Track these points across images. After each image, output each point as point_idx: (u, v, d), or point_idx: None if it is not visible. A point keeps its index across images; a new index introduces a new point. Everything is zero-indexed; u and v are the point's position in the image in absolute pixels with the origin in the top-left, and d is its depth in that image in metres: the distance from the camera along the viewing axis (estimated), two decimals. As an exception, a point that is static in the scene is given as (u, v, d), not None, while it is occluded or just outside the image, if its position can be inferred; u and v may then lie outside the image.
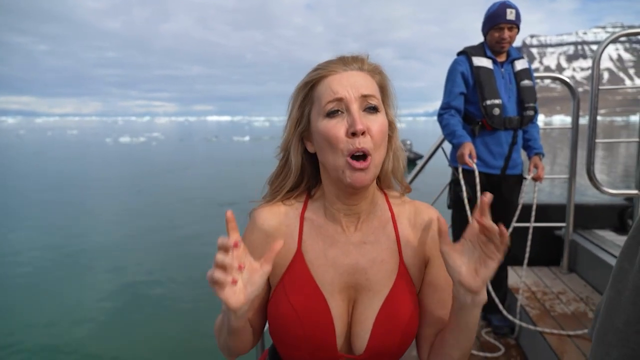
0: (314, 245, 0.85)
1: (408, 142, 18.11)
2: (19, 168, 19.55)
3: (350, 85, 0.79)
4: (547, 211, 2.96)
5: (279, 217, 0.87)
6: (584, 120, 2.75)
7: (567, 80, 2.70)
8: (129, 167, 20.06)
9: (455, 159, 2.31)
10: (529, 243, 2.48)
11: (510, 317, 2.30)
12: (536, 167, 2.37)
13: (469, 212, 2.24)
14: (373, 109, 0.79)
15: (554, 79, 2.79)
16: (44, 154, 27.15)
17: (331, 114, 0.78)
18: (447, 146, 2.49)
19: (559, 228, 2.95)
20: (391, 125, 0.86)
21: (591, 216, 3.00)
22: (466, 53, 2.32)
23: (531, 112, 2.32)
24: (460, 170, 2.28)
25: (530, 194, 2.51)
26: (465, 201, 2.24)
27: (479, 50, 2.32)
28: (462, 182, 2.26)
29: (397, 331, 0.82)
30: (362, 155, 0.77)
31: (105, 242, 7.92)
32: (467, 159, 2.13)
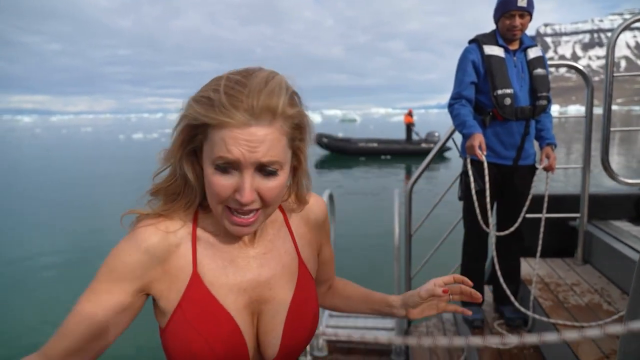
0: (211, 265, 0.79)
1: (436, 134, 18.12)
2: (37, 165, 19.88)
3: (247, 148, 0.68)
4: (561, 202, 2.92)
5: (165, 235, 0.77)
6: (599, 110, 2.70)
7: (581, 68, 2.65)
8: (143, 163, 20.29)
9: (465, 150, 2.28)
10: (541, 234, 2.45)
11: (522, 309, 2.28)
12: (548, 157, 2.33)
13: (476, 205, 2.22)
14: (271, 173, 0.71)
15: (569, 67, 2.73)
16: (60, 151, 27.56)
17: (220, 169, 0.70)
18: (458, 137, 2.46)
19: (573, 219, 2.91)
20: (299, 158, 0.79)
21: (606, 206, 2.95)
22: (477, 41, 2.29)
23: (544, 102, 2.27)
24: (469, 161, 2.26)
25: (544, 184, 2.48)
26: (473, 192, 2.22)
27: (491, 38, 2.29)
28: (471, 173, 2.23)
29: (305, 329, 0.85)
30: (241, 213, 0.73)
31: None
32: (476, 150, 2.10)
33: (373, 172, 15.32)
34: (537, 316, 2.20)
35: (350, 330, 3.00)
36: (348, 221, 8.10)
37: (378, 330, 3.00)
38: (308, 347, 2.81)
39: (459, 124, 2.22)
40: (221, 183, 0.70)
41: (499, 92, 2.20)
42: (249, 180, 0.70)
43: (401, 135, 20.51)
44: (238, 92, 0.67)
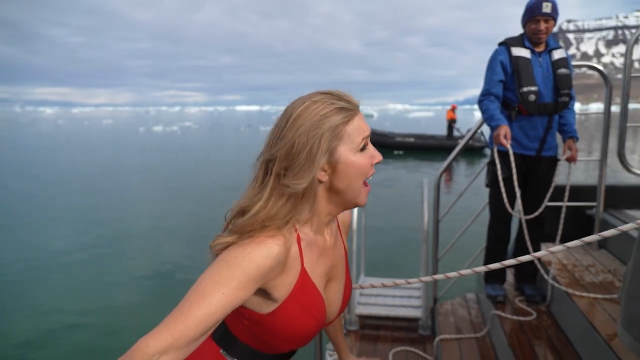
0: (311, 260, 0.99)
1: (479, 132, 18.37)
2: (63, 155, 20.50)
3: (366, 125, 0.96)
4: (579, 192, 3.14)
5: (285, 245, 0.91)
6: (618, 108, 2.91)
7: (600, 68, 2.87)
8: (166, 154, 20.77)
9: (492, 141, 2.53)
10: (561, 221, 2.69)
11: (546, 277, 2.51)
12: (570, 149, 2.57)
13: (502, 190, 2.46)
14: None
15: (587, 67, 2.95)
16: (85, 142, 28.30)
17: (363, 149, 0.93)
18: (487, 131, 2.71)
19: (590, 207, 3.13)
20: None
21: (621, 197, 3.17)
22: (506, 44, 2.54)
23: (566, 99, 2.51)
24: (496, 151, 2.51)
25: (566, 175, 2.71)
26: (500, 179, 2.47)
27: (518, 41, 2.53)
28: (497, 161, 2.49)
29: (349, 297, 1.16)
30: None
31: (149, 226, 8.37)
32: (502, 139, 2.35)
33: (409, 166, 15.64)
34: (556, 285, 2.43)
35: (380, 308, 3.26)
36: (382, 211, 8.65)
37: (406, 308, 3.26)
38: (342, 321, 3.09)
39: (488, 118, 2.48)
40: (364, 160, 0.94)
41: (524, 89, 2.45)
42: (371, 146, 0.96)
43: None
44: (337, 95, 0.94)
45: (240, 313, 1.00)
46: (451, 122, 19.39)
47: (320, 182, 0.94)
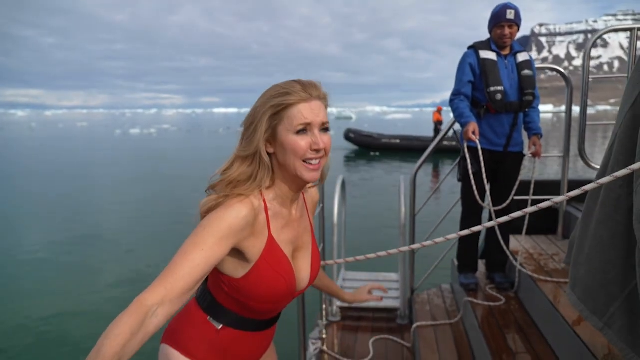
0: (277, 227, 1.15)
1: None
2: (39, 159, 20.09)
3: (315, 114, 1.07)
4: (545, 186, 3.35)
5: (252, 208, 1.07)
6: (593, 110, 3.11)
7: (562, 70, 3.09)
8: (146, 157, 20.56)
9: (463, 138, 2.71)
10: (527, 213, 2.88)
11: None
12: (535, 145, 2.76)
13: (473, 183, 2.63)
14: (327, 130, 1.11)
15: (551, 69, 3.17)
16: (61, 145, 27.75)
17: (299, 132, 1.06)
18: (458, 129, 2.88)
19: (556, 200, 3.34)
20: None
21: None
22: (474, 47, 2.72)
23: (530, 98, 2.71)
24: (466, 147, 2.68)
25: (532, 170, 2.91)
26: (470, 174, 2.64)
27: (486, 45, 2.72)
28: (467, 156, 2.66)
29: (317, 269, 1.30)
30: (314, 160, 1.09)
31: (141, 229, 8.35)
32: (470, 134, 2.53)
33: (395, 165, 15.91)
34: (523, 270, 2.61)
35: None
36: (362, 205, 8.95)
37: (385, 299, 3.41)
38: (324, 313, 3.22)
39: (458, 116, 2.65)
40: (300, 143, 1.07)
41: (492, 89, 2.63)
42: (318, 133, 1.09)
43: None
44: (301, 83, 1.09)
45: (220, 280, 1.15)
46: (437, 124, 19.74)
47: (269, 154, 1.11)
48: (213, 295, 1.20)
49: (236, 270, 1.12)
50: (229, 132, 43.12)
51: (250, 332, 1.23)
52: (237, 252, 1.09)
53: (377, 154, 19.32)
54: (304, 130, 1.07)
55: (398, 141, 19.89)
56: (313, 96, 1.08)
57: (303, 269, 1.24)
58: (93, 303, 5.11)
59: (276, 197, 1.15)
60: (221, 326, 1.19)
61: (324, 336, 2.97)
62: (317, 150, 1.08)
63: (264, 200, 1.12)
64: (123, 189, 12.24)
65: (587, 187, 1.14)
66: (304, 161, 1.09)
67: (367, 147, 20.17)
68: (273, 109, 1.07)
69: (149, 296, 0.90)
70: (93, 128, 52.49)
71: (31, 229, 8.25)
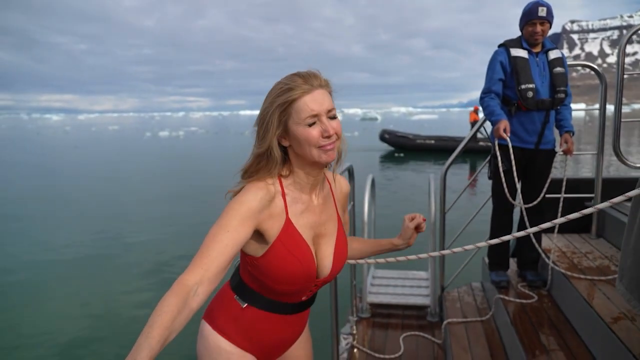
0: (295, 211, 1.21)
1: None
2: (77, 161, 20.84)
3: (319, 103, 1.12)
4: (578, 184, 3.31)
5: (267, 191, 1.15)
6: (628, 109, 3.07)
7: (594, 66, 3.05)
8: (175, 158, 21.06)
9: (493, 135, 2.71)
10: (560, 211, 2.86)
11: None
12: (566, 142, 2.74)
13: (503, 181, 2.64)
14: (334, 117, 1.16)
15: (584, 66, 3.13)
16: (96, 148, 28.71)
17: (310, 125, 1.12)
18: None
19: (589, 199, 3.30)
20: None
21: (618, 188, 3.32)
22: (505, 45, 2.73)
23: (562, 95, 2.69)
24: (497, 144, 2.69)
25: (564, 169, 2.88)
26: (501, 171, 2.65)
27: (517, 42, 2.72)
28: (498, 154, 2.67)
29: (343, 259, 1.32)
30: (328, 145, 1.15)
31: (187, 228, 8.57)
32: (502, 132, 2.54)
33: (426, 166, 15.88)
34: (556, 268, 2.60)
35: (390, 297, 3.44)
36: (392, 203, 9.13)
37: (415, 297, 3.44)
38: (354, 309, 3.27)
39: (489, 113, 2.67)
40: (312, 133, 1.13)
41: (523, 86, 2.64)
42: (326, 121, 1.14)
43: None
44: (301, 75, 1.14)
45: (245, 261, 1.24)
46: (474, 124, 19.60)
47: (284, 146, 1.19)
48: (240, 275, 1.29)
49: (257, 250, 1.19)
50: (254, 134, 43.45)
51: (275, 314, 1.28)
52: (259, 234, 1.17)
53: (402, 154, 19.29)
54: (313, 122, 1.14)
55: (433, 142, 19.83)
56: (315, 86, 1.14)
57: (326, 256, 1.27)
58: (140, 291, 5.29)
59: (294, 183, 1.22)
60: (245, 305, 1.27)
61: (355, 332, 3.03)
62: (329, 137, 1.15)
63: (282, 186, 1.20)
64: (160, 187, 12.57)
65: (631, 194, 1.15)
66: (319, 147, 1.15)
67: (402, 147, 20.31)
68: (280, 107, 1.13)
69: (189, 277, 0.99)
70: (124, 131, 53.92)
71: (79, 225, 8.59)
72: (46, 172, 16.55)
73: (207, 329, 1.29)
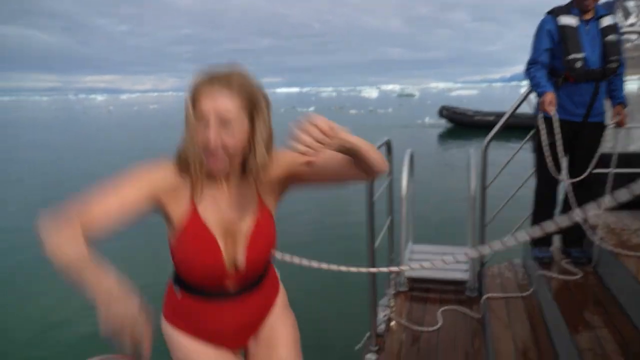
0: (204, 202, 1.17)
1: None
2: (120, 137, 21.63)
3: (213, 107, 1.05)
4: (630, 159, 3.15)
5: (177, 174, 1.13)
6: None
7: (652, 32, 2.94)
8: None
9: (538, 108, 2.62)
10: (609, 187, 2.74)
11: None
12: (618, 114, 2.62)
13: (548, 155, 2.55)
14: (227, 123, 1.06)
15: (636, 32, 2.95)
16: (142, 125, 29.65)
17: (201, 120, 1.07)
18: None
19: (640, 175, 3.14)
20: (253, 123, 1.11)
21: None
22: (553, 12, 2.60)
23: (614, 65, 2.55)
24: (541, 116, 2.60)
25: (615, 143, 2.75)
26: (545, 144, 2.56)
27: (565, 10, 2.59)
28: (542, 128, 2.58)
29: (261, 251, 1.24)
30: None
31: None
32: (547, 106, 2.45)
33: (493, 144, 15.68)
34: (604, 244, 2.51)
35: (428, 271, 3.43)
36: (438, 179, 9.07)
37: (453, 271, 3.42)
38: (392, 283, 3.29)
39: (534, 85, 2.57)
40: (199, 134, 1.09)
41: (571, 56, 2.52)
42: (214, 127, 1.07)
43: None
44: (204, 73, 1.09)
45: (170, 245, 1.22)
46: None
47: None
48: (173, 261, 1.26)
49: (170, 236, 1.20)
50: (292, 111, 43.58)
51: (211, 302, 1.24)
52: (165, 215, 1.16)
53: (457, 131, 19.12)
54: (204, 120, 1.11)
55: (492, 118, 19.31)
56: (214, 87, 1.09)
57: (239, 250, 1.21)
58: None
59: (207, 176, 1.16)
60: (180, 291, 1.25)
61: (392, 305, 3.06)
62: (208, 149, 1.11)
63: (193, 174, 1.14)
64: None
65: None
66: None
67: (461, 124, 20.04)
68: (188, 99, 1.13)
69: (79, 219, 1.00)
70: (164, 110, 55.26)
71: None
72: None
73: (162, 319, 1.30)
